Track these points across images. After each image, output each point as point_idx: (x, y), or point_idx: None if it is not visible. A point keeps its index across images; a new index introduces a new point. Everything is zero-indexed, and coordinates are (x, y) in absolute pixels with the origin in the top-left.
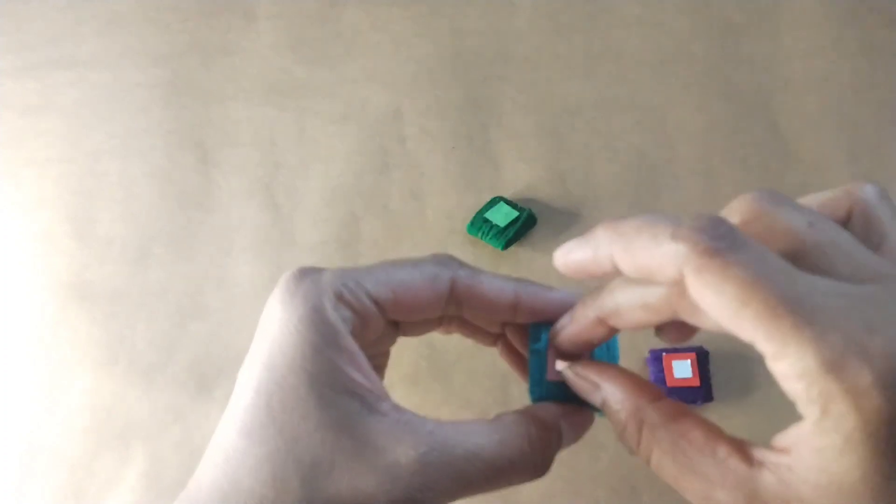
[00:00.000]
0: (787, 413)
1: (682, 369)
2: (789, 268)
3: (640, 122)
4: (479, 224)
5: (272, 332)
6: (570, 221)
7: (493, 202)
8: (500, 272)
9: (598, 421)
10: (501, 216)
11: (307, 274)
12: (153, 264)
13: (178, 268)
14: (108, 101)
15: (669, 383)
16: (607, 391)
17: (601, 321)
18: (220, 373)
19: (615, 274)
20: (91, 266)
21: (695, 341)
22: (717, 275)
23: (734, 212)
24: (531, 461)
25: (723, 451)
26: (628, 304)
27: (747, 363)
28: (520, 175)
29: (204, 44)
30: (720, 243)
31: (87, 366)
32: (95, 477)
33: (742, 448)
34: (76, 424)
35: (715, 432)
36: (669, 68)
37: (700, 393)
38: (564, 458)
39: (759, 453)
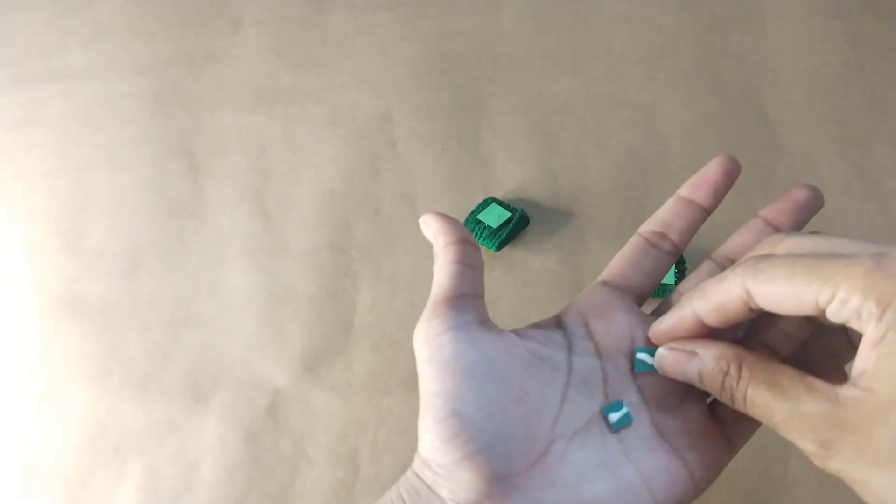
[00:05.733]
0: None
1: None
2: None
3: (629, 119)
4: (472, 226)
5: None
6: (563, 220)
7: (485, 203)
8: (493, 274)
9: None
10: (494, 217)
11: None
12: (144, 275)
13: (170, 278)
14: (95, 112)
15: None
16: (706, 353)
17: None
18: (215, 383)
19: (699, 329)
20: (82, 279)
21: None
22: (766, 270)
23: (765, 245)
24: None
25: (810, 378)
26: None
27: None
28: (511, 175)
29: (190, 52)
30: (762, 260)
31: (80, 380)
32: (92, 492)
33: (827, 378)
34: (71, 439)
35: (802, 371)
36: (657, 64)
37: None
38: None
39: (842, 382)
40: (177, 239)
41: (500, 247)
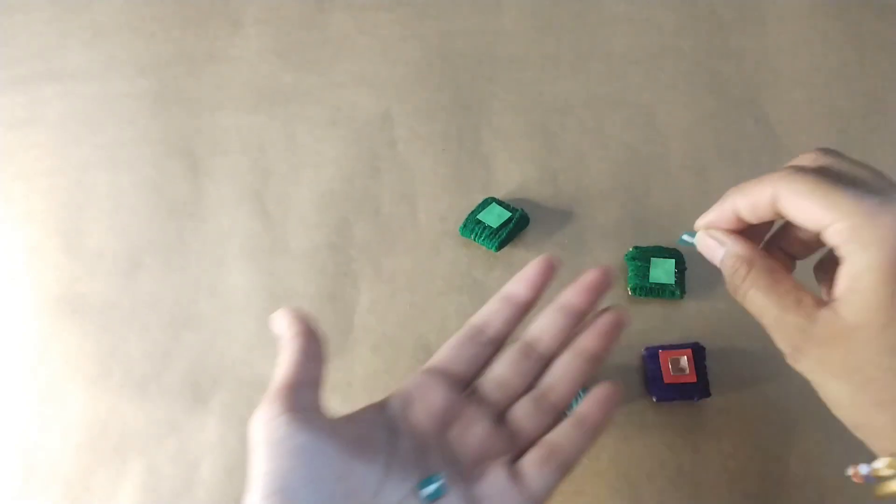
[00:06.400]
0: (782, 409)
1: (679, 365)
2: (829, 178)
3: (630, 119)
4: (472, 226)
5: None
6: (563, 220)
7: (486, 203)
8: (493, 274)
9: None
10: (494, 217)
11: None
12: (144, 275)
13: (170, 278)
14: (95, 112)
15: (666, 379)
16: (731, 245)
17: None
18: (215, 383)
19: (735, 223)
20: (82, 279)
21: (690, 338)
22: (793, 182)
23: (803, 158)
24: None
25: (802, 293)
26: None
27: (743, 358)
28: (511, 175)
29: (190, 52)
30: (797, 171)
31: (80, 380)
32: (92, 492)
33: (818, 298)
34: (71, 440)
35: (800, 285)
36: (658, 64)
37: (697, 389)
38: None
39: (828, 301)
40: (177, 239)
41: (500, 247)
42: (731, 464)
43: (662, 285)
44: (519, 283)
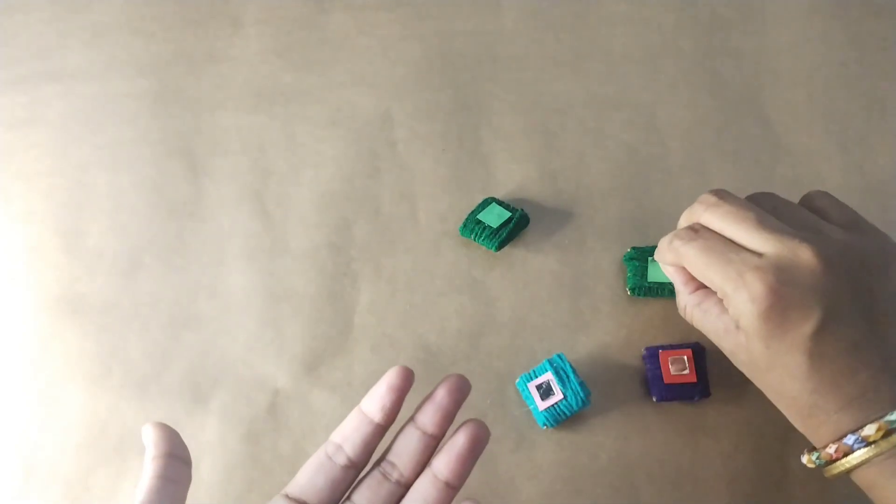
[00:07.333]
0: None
1: (679, 365)
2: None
3: (630, 119)
4: (472, 226)
5: None
6: (564, 220)
7: (485, 203)
8: (493, 274)
9: (597, 424)
10: (494, 217)
11: None
12: (144, 275)
13: (170, 278)
14: (95, 112)
15: (666, 379)
16: (675, 280)
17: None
18: (215, 383)
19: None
20: (82, 279)
21: (690, 338)
22: (685, 256)
23: (698, 208)
24: None
25: (726, 317)
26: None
27: None
28: (511, 175)
29: (190, 52)
30: (689, 242)
31: (80, 380)
32: (92, 492)
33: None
34: (71, 440)
35: (725, 311)
36: (658, 64)
37: (697, 389)
38: (564, 458)
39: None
40: (177, 239)
41: (500, 247)
42: (730, 464)
43: (661, 284)
44: (371, 402)
